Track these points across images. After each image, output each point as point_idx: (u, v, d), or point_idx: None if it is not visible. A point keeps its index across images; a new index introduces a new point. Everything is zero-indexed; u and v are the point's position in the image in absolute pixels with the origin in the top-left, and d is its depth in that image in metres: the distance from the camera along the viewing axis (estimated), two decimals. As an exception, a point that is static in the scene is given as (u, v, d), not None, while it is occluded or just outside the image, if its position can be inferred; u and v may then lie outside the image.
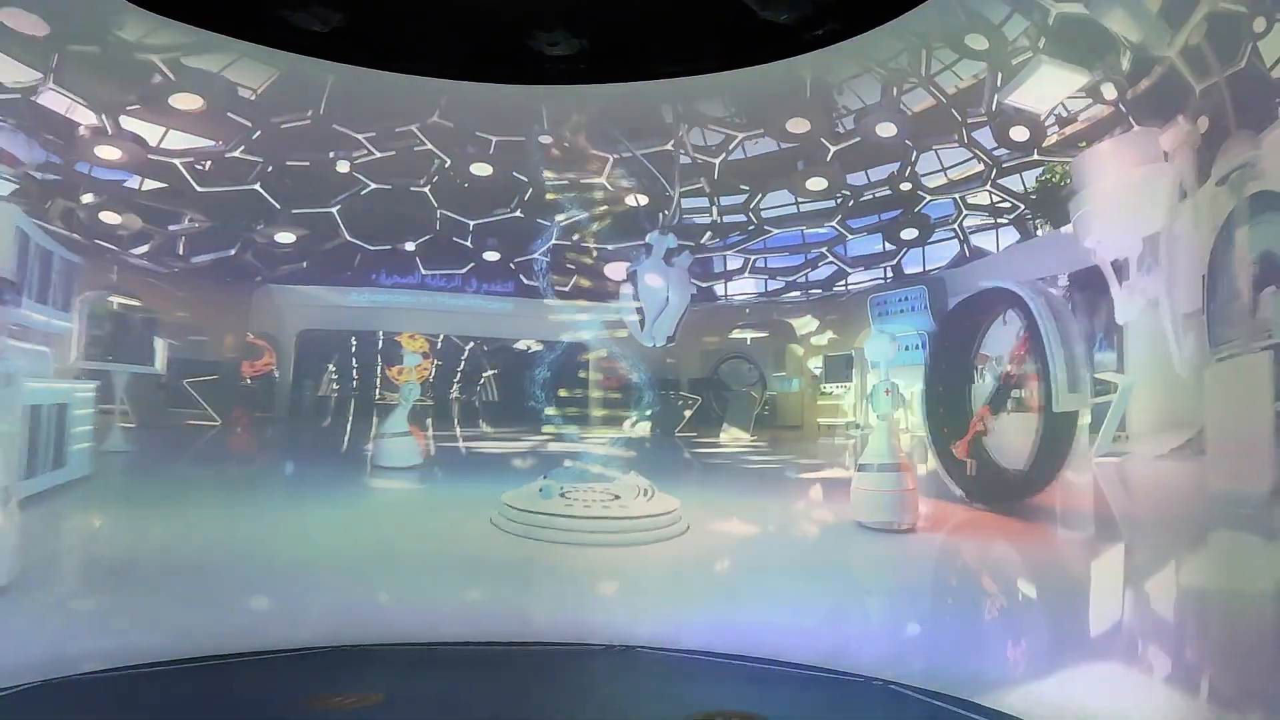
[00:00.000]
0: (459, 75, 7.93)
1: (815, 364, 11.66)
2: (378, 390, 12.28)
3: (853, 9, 7.25)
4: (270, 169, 10.28)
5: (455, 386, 12.57)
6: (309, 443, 11.75)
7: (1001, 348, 8.12)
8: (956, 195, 9.97)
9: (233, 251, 10.78)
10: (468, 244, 11.63)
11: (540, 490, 11.51)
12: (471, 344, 12.56)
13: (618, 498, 11.46)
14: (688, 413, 11.68)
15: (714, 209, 11.34)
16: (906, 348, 10.97)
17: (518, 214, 11.34)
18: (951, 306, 9.12)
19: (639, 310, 11.62)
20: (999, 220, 9.79)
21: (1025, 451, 7.75)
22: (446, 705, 6.79)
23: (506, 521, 11.21)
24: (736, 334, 11.65)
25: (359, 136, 10.12)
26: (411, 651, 8.36)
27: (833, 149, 10.13)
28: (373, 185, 10.71)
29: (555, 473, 11.64)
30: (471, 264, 11.76)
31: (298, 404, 11.88)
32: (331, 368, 12.04)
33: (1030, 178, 9.28)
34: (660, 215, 11.25)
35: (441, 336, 12.40)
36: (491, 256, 11.84)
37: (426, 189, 10.93)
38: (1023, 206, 9.44)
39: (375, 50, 7.57)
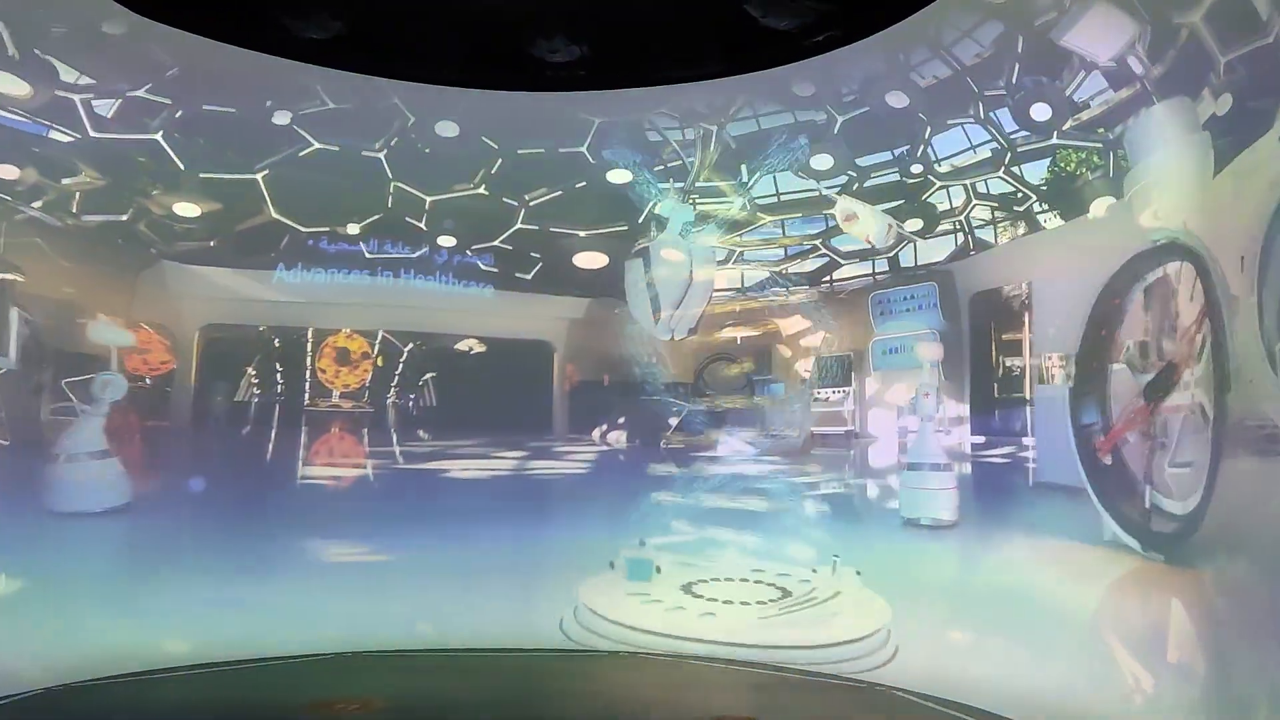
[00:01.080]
0: (459, 82, 7.89)
1: (806, 367, 10.77)
2: (306, 395, 10.66)
3: (853, 15, 7.25)
4: (180, 114, 8.39)
5: (393, 391, 11.08)
6: (218, 457, 10.00)
7: (1143, 327, 6.59)
8: (967, 182, 9.32)
9: (125, 217, 8.84)
10: (421, 225, 10.08)
11: (622, 566, 9.13)
12: (411, 345, 11.09)
13: (786, 594, 8.83)
14: (673, 420, 10.54)
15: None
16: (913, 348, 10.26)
17: (482, 190, 9.94)
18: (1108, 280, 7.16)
19: (653, 298, 10.19)
20: (997, 212, 9.25)
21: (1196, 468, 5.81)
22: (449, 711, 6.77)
23: (596, 637, 8.59)
24: (729, 332, 10.52)
25: (315, 85, 8.36)
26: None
27: (840, 119, 9.19)
28: (316, 145, 8.97)
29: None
30: (424, 249, 10.27)
31: (204, 411, 10.00)
32: (251, 371, 10.30)
33: (1041, 168, 8.75)
34: (670, 181, 9.89)
35: (380, 335, 10.92)
36: (447, 241, 10.30)
37: (382, 154, 9.31)
38: (1034, 198, 8.87)
39: (375, 57, 7.50)
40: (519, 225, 10.25)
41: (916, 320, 9.70)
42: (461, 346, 11.12)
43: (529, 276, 10.66)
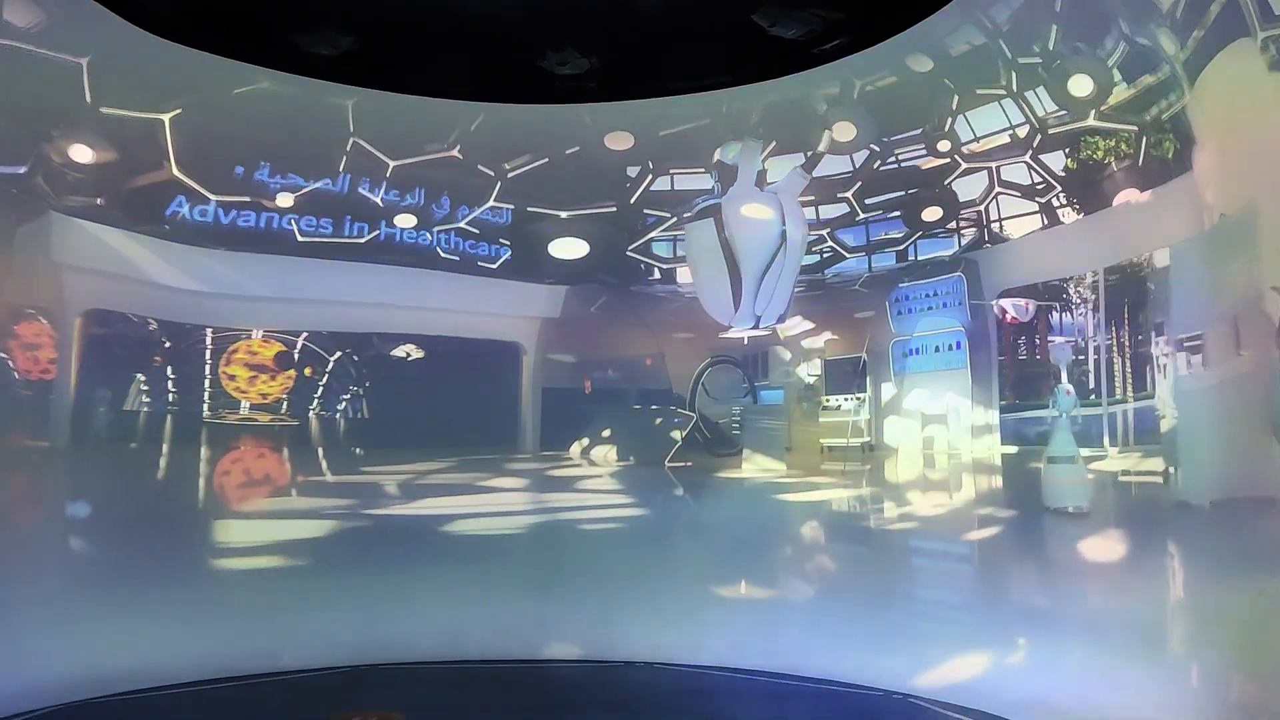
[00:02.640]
0: (469, 96, 8.11)
1: (810, 371, 10.00)
2: (206, 404, 9.11)
3: (861, 23, 7.50)
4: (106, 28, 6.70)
5: (317, 401, 9.55)
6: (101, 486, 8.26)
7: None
8: (994, 165, 8.88)
9: (23, 170, 7.14)
10: (377, 200, 8.77)
11: None
12: (339, 353, 9.63)
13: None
14: (678, 435, 9.43)
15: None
16: (937, 349, 9.67)
17: (455, 153, 8.71)
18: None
19: (732, 272, 8.75)
20: (1019, 202, 8.88)
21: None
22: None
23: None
24: (735, 332, 9.40)
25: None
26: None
27: (858, 84, 8.50)
28: (266, 84, 7.47)
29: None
30: (374, 234, 8.91)
31: (84, 425, 8.27)
32: (142, 377, 8.68)
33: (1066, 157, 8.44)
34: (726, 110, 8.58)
35: (300, 341, 9.41)
36: (406, 221, 8.99)
37: (350, 102, 7.93)
38: (1058, 187, 8.53)
39: (385, 73, 7.70)
40: (492, 203, 9.04)
41: (941, 319, 9.12)
42: (399, 353, 9.77)
43: (495, 266, 9.46)
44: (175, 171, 8.07)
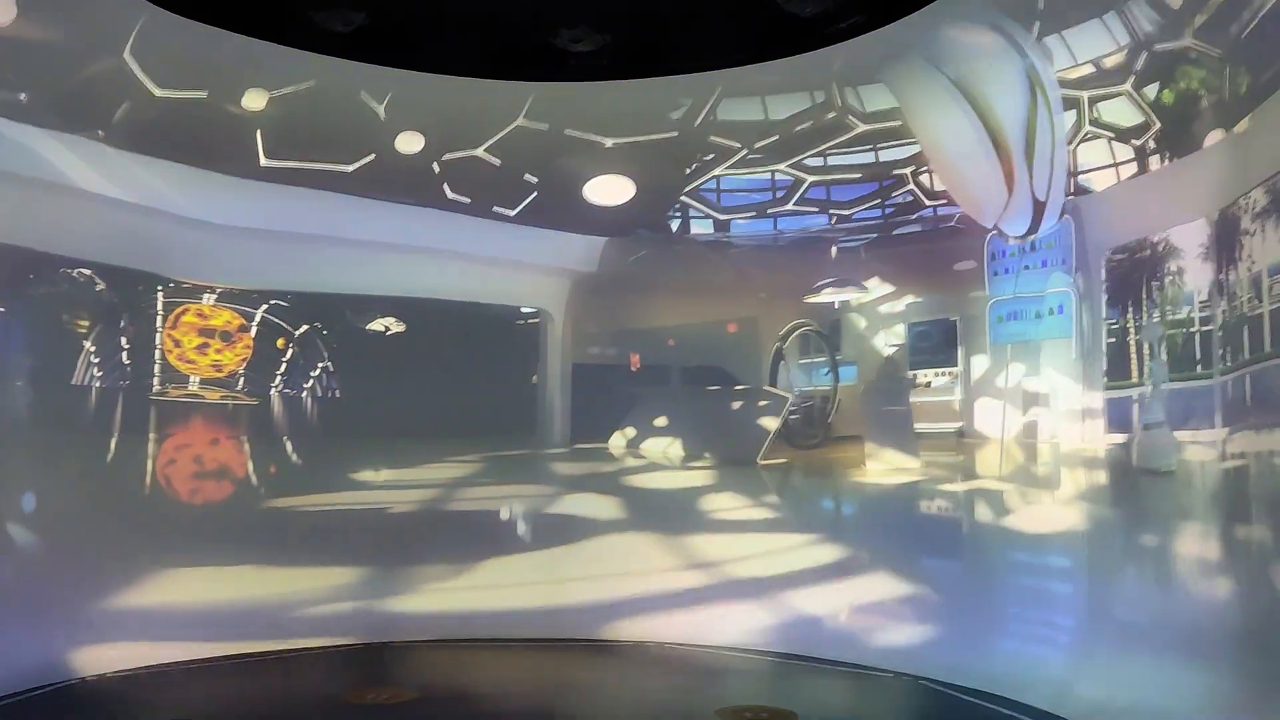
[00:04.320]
0: (482, 74, 8.21)
1: (889, 340, 8.88)
2: (156, 378, 8.01)
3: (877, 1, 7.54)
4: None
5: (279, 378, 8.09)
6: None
7: None
8: (1087, 94, 7.94)
9: None
10: (380, 112, 7.59)
11: None
12: (305, 327, 8.34)
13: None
14: (770, 423, 8.13)
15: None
16: (1038, 314, 8.71)
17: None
18: None
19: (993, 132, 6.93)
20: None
21: None
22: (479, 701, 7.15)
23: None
24: (829, 295, 8.30)
25: None
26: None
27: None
28: None
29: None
30: (370, 155, 7.71)
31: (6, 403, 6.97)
32: (90, 346, 7.56)
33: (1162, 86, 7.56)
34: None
35: (260, 313, 8.11)
36: (410, 144, 7.80)
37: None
38: (1158, 124, 7.61)
39: (397, 49, 7.97)
40: (520, 121, 7.85)
41: (1042, 280, 8.12)
42: (376, 326, 8.67)
43: (513, 212, 8.11)
44: (127, 57, 6.84)
